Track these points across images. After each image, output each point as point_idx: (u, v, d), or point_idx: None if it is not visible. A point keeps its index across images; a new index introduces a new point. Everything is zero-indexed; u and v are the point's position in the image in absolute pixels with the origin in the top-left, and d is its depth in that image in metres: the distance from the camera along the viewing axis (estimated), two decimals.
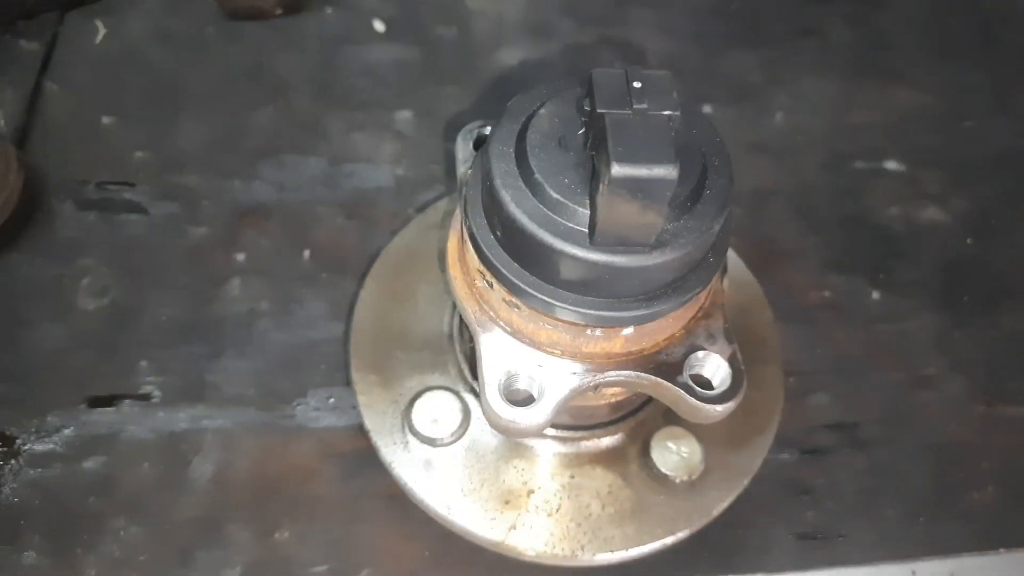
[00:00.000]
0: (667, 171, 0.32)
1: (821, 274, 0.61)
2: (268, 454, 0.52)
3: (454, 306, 0.50)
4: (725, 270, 0.42)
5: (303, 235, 0.60)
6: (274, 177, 0.62)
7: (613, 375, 0.40)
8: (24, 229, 0.58)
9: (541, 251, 0.36)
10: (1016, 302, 0.61)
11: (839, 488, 0.53)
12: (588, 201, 0.35)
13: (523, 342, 0.40)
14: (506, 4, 0.74)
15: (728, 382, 0.40)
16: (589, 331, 0.38)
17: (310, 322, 0.56)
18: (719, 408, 0.39)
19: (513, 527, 0.47)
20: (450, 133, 0.65)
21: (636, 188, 0.32)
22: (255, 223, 0.60)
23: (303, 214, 0.61)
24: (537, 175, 0.35)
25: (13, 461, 0.50)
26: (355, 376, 0.52)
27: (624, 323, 0.38)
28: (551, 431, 0.50)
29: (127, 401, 0.53)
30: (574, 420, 0.50)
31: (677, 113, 0.33)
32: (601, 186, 0.33)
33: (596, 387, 0.40)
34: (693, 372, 0.40)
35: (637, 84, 0.33)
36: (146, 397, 0.53)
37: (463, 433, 0.49)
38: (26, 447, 0.51)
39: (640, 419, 0.51)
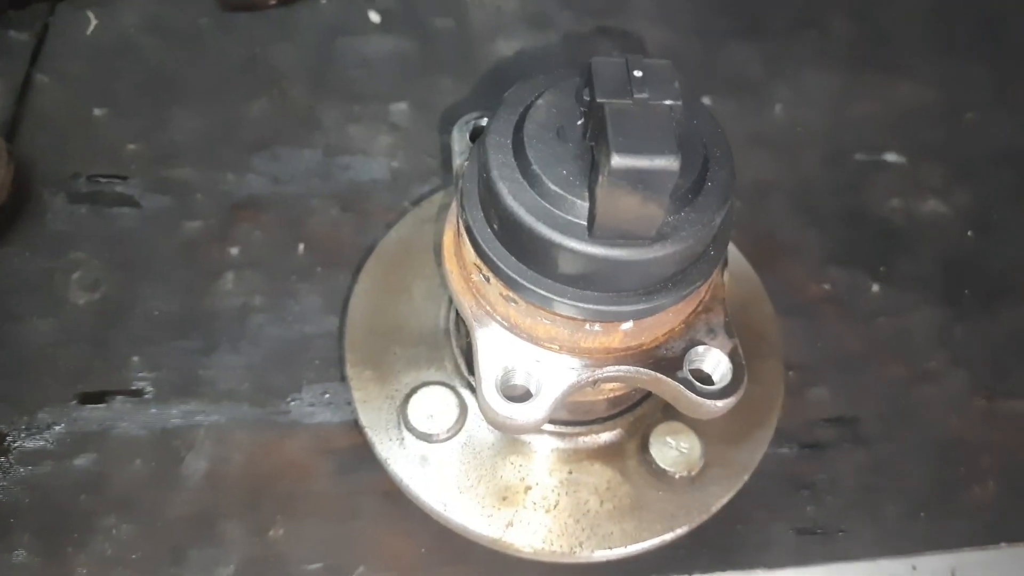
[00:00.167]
0: (669, 162, 0.31)
1: (821, 268, 0.61)
2: (262, 450, 0.51)
3: (450, 300, 0.50)
4: (726, 263, 0.42)
5: (297, 228, 0.59)
6: (268, 170, 0.62)
7: (612, 370, 0.39)
8: (14, 222, 0.57)
9: (539, 244, 0.35)
10: (1018, 296, 0.61)
11: (839, 483, 0.53)
12: (587, 193, 0.34)
13: (520, 337, 0.39)
14: None
15: (729, 377, 0.39)
16: (588, 326, 0.38)
17: (305, 316, 0.56)
18: (720, 403, 0.38)
19: (510, 524, 0.47)
20: (446, 125, 0.64)
21: (637, 179, 0.31)
22: (249, 216, 0.60)
23: (297, 207, 0.60)
24: (535, 167, 0.35)
25: (3, 458, 0.49)
26: (350, 371, 0.51)
27: (623, 318, 0.37)
28: (549, 427, 0.49)
29: (119, 397, 0.52)
30: (572, 415, 0.49)
31: (679, 103, 0.33)
32: (601, 177, 0.32)
33: (594, 383, 0.40)
34: (693, 367, 0.40)
35: (638, 73, 0.33)
36: (138, 393, 0.52)
37: (459, 429, 0.49)
38: (16, 444, 0.50)
39: (639, 414, 0.50)
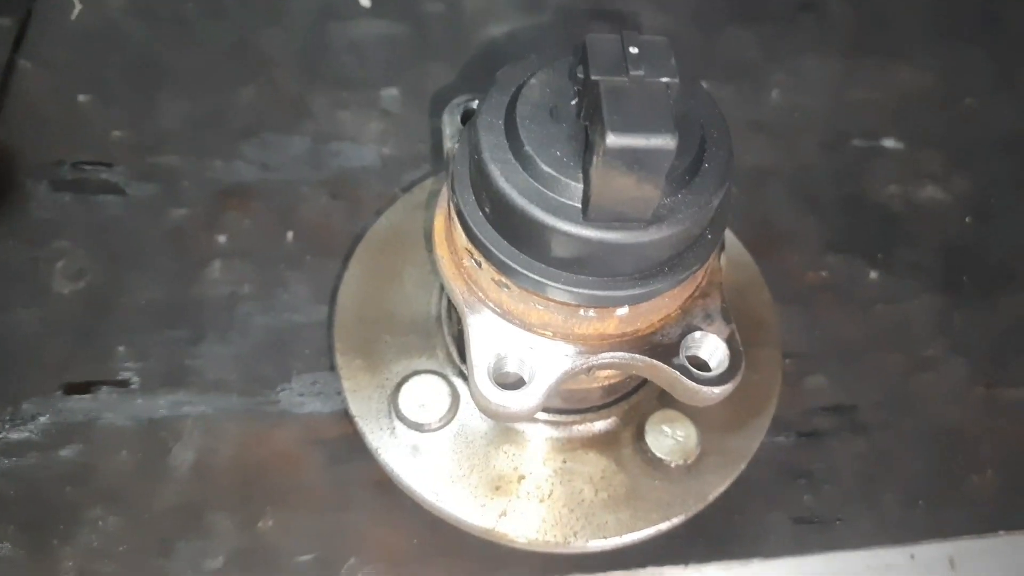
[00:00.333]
0: (665, 141, 0.30)
1: (819, 254, 0.60)
2: (251, 441, 0.50)
3: (442, 287, 0.49)
4: (723, 247, 0.41)
5: (286, 216, 0.58)
6: (257, 157, 0.61)
7: (607, 357, 0.39)
8: None
9: (532, 228, 0.34)
10: (1018, 283, 0.61)
11: (837, 471, 0.52)
12: (581, 174, 0.33)
13: (513, 323, 0.39)
14: None
15: (726, 363, 0.38)
16: (582, 311, 0.37)
17: (294, 305, 0.55)
18: (716, 390, 0.38)
19: (504, 514, 0.46)
20: (437, 111, 0.62)
21: (632, 159, 0.31)
22: (237, 204, 0.58)
23: (286, 194, 0.59)
24: (527, 147, 0.34)
25: None
26: (340, 360, 0.51)
27: (618, 303, 0.36)
28: (542, 415, 0.48)
29: (104, 387, 0.51)
30: (566, 404, 0.48)
31: (676, 80, 0.32)
32: (595, 158, 0.31)
33: (589, 370, 0.39)
34: (690, 353, 0.39)
35: (633, 50, 0.32)
36: (124, 383, 0.51)
37: (451, 418, 0.48)
38: (0, 435, 0.49)
39: (634, 402, 0.49)
